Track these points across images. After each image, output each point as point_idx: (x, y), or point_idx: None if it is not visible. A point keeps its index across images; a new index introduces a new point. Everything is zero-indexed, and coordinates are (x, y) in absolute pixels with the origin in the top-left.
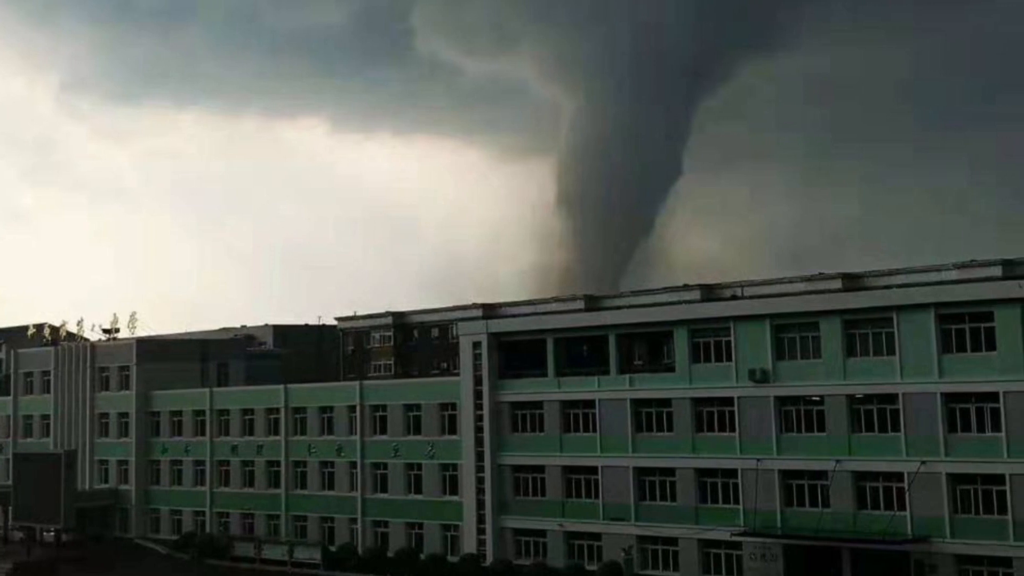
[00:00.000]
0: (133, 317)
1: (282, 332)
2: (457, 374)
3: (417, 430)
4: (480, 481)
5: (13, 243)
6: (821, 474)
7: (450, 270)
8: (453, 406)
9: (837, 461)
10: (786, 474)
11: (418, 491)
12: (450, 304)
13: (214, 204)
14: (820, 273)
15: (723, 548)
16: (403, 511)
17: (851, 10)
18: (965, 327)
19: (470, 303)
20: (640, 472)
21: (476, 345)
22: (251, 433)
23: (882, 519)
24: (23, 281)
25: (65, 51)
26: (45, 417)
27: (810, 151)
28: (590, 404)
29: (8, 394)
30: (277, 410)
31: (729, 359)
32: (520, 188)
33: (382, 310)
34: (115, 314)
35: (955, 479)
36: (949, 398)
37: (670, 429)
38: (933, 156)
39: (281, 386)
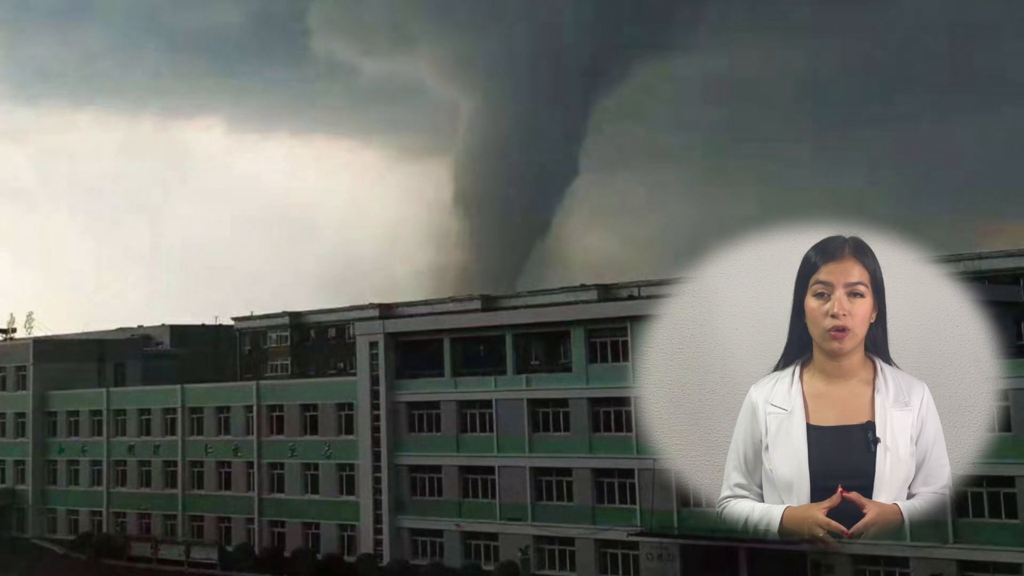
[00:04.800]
0: (30, 317)
1: (179, 332)
2: (354, 374)
3: (314, 430)
4: (377, 481)
5: None
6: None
7: (347, 270)
8: (350, 406)
9: None
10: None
11: (315, 491)
12: (347, 304)
13: (111, 204)
14: None
15: (620, 548)
16: (300, 511)
17: (749, 10)
18: None
19: (367, 303)
20: (537, 472)
21: (373, 345)
22: (148, 433)
23: None
24: None
25: None
26: None
27: (708, 151)
28: (487, 404)
29: None
30: (174, 410)
31: (626, 359)
32: (417, 188)
33: (279, 310)
34: (12, 314)
35: None
36: None
37: (567, 429)
38: (831, 156)
39: (178, 386)
